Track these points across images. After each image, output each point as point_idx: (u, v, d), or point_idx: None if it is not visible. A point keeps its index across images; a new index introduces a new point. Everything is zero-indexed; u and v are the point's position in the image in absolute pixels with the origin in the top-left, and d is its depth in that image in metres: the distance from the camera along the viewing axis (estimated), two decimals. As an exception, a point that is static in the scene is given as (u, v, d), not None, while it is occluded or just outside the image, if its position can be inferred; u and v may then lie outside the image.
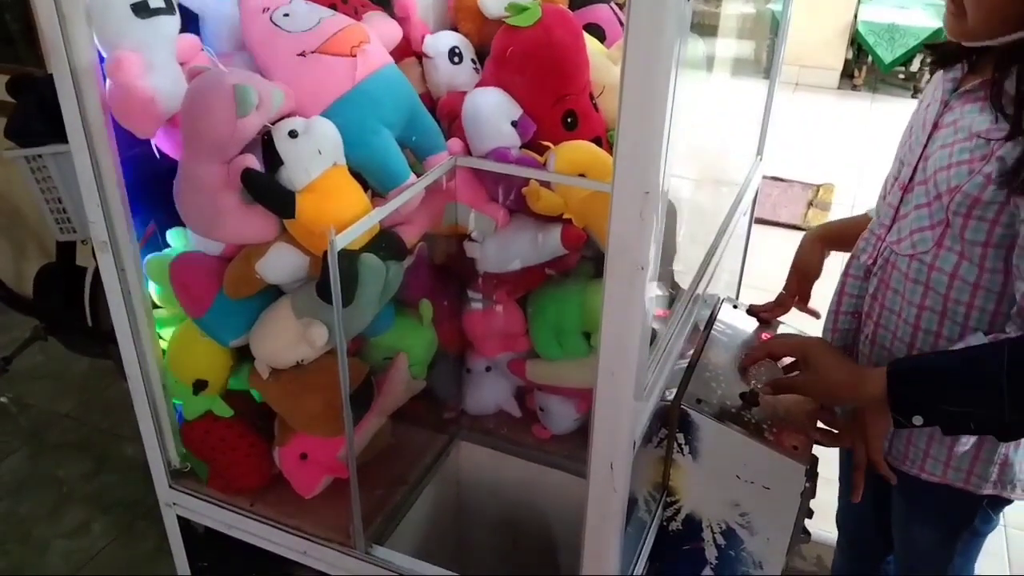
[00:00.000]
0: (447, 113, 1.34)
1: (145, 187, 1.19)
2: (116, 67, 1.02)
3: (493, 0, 1.31)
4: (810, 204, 3.95)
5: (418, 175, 1.22)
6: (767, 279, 2.88)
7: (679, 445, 1.28)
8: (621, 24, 1.47)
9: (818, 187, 4.11)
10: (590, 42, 1.32)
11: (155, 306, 1.27)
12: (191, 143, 1.03)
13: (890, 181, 1.27)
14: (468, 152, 1.29)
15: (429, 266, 1.38)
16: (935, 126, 1.14)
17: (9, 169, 2.14)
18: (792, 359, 1.32)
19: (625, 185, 0.80)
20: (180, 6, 1.13)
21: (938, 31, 5.22)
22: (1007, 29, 1.02)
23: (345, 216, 1.07)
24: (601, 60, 1.35)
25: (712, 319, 1.52)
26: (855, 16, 5.63)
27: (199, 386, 1.24)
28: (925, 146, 1.15)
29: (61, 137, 1.69)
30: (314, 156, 1.05)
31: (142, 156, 1.16)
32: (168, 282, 1.20)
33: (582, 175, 1.22)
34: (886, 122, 5.10)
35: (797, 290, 1.50)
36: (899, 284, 1.17)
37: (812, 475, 1.24)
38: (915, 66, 5.70)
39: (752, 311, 1.54)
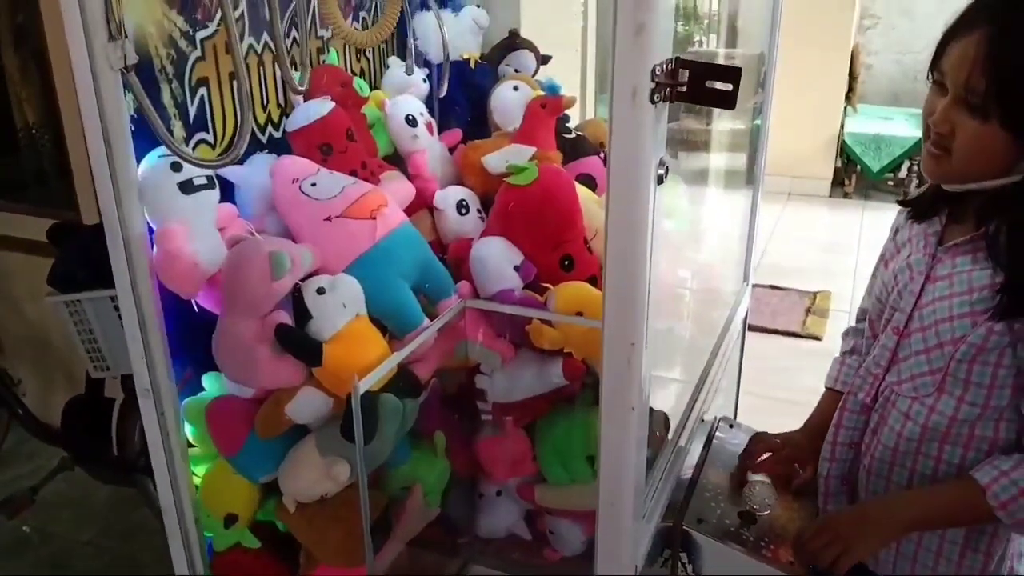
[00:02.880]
0: (455, 258, 1.48)
1: (184, 337, 1.31)
2: (165, 238, 1.16)
3: (495, 159, 1.47)
4: (808, 311, 4.06)
5: (431, 317, 1.34)
6: (766, 386, 2.97)
7: (683, 564, 1.35)
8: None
9: (815, 294, 4.23)
10: (582, 191, 1.47)
11: (190, 445, 1.37)
12: (231, 302, 1.16)
13: (876, 320, 1.32)
14: (476, 294, 1.42)
15: (442, 399, 1.49)
16: (927, 278, 1.19)
17: (40, 305, 2.27)
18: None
19: (612, 337, 0.92)
20: (218, 176, 1.29)
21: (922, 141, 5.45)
22: (991, 174, 1.08)
23: (367, 361, 1.19)
24: (593, 207, 1.49)
25: (710, 438, 1.61)
26: (841, 127, 5.90)
27: (230, 520, 1.33)
28: (919, 296, 1.20)
29: (98, 283, 1.84)
30: (339, 310, 1.18)
31: (182, 310, 1.29)
32: (203, 424, 1.30)
33: (580, 313, 1.34)
34: (879, 228, 5.24)
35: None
36: (897, 423, 1.23)
37: (809, 590, 1.30)
38: (903, 172, 5.92)
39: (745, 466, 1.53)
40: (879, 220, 5.60)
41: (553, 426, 1.48)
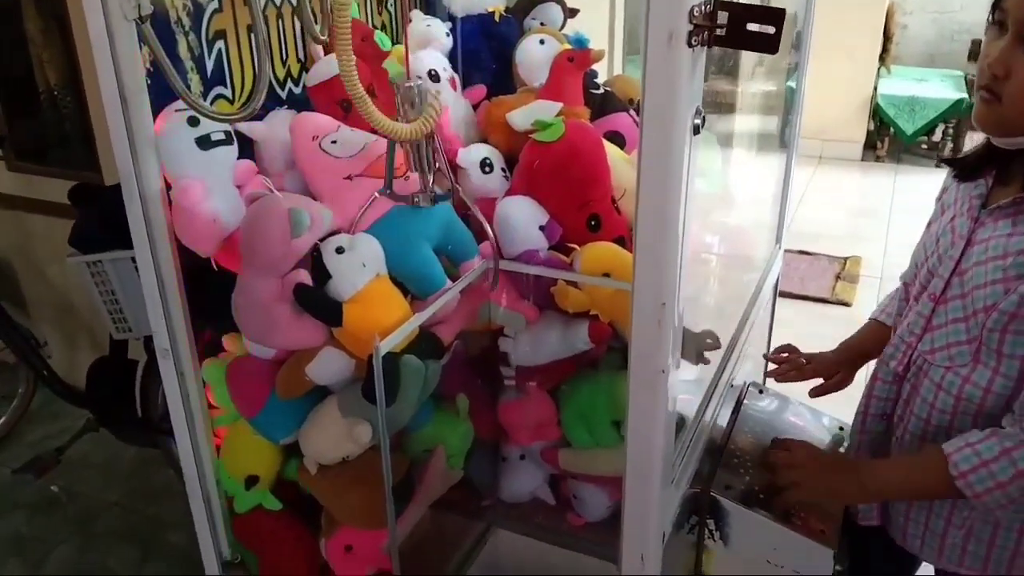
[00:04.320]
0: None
1: (203, 297, 1.29)
2: (182, 194, 1.13)
3: (520, 115, 1.42)
4: (838, 277, 3.98)
5: (453, 278, 1.31)
6: (795, 355, 2.91)
7: (710, 531, 1.32)
8: (640, 129, 1.57)
9: (845, 260, 4.15)
10: (610, 149, 1.42)
11: (210, 406, 1.36)
12: (249, 261, 1.14)
13: (914, 286, 1.28)
14: (500, 254, 1.38)
15: (465, 361, 1.46)
16: (968, 242, 1.14)
17: (63, 267, 2.27)
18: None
19: (643, 297, 0.88)
20: (237, 132, 1.25)
21: (958, 103, 5.31)
22: None
23: (388, 322, 1.16)
24: (621, 165, 1.44)
25: (739, 404, 1.57)
26: (875, 89, 5.75)
27: (251, 481, 1.32)
28: (959, 261, 1.15)
29: (119, 244, 1.82)
30: (359, 269, 1.14)
31: (201, 269, 1.26)
32: (224, 385, 1.28)
33: (606, 274, 1.31)
34: (911, 192, 5.14)
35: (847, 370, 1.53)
36: (929, 393, 1.18)
37: (841, 559, 1.27)
38: (937, 135, 5.78)
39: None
40: (912, 184, 5.50)
41: (578, 390, 1.45)
